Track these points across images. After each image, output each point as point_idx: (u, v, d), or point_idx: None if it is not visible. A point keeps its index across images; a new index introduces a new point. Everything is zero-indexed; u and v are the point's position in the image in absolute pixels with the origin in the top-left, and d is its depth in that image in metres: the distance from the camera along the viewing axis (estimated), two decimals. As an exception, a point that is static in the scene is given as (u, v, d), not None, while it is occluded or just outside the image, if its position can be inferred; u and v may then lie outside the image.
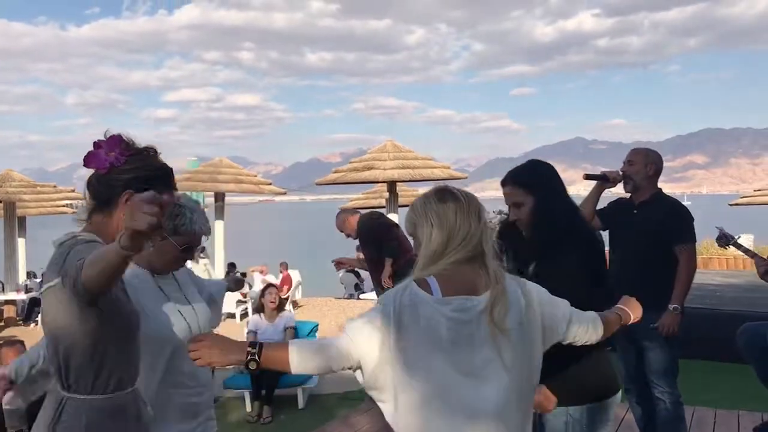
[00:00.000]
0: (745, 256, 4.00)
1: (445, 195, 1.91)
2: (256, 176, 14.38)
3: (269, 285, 7.47)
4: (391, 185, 12.19)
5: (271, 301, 6.69)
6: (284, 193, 15.29)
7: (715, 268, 13.97)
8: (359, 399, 5.81)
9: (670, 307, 3.73)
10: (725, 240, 3.98)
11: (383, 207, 12.78)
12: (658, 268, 3.80)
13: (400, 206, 12.05)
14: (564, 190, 2.64)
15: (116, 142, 1.94)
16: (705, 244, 16.65)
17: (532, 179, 2.57)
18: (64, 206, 15.26)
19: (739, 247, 3.91)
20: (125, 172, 1.94)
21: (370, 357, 1.77)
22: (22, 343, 4.15)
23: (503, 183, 2.66)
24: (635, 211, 3.93)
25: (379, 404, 1.84)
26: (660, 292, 3.81)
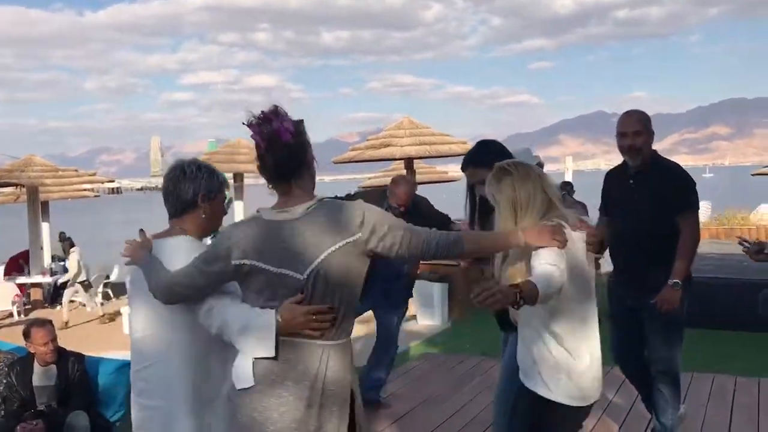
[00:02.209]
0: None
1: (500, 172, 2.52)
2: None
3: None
4: (409, 162, 12.16)
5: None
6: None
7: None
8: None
9: (670, 282, 3.54)
10: (747, 245, 3.66)
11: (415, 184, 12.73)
12: (665, 239, 3.61)
13: (417, 183, 12.03)
14: (512, 156, 2.94)
15: (277, 113, 2.10)
16: (727, 213, 16.51)
17: (488, 157, 2.87)
18: (85, 190, 15.45)
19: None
20: (302, 134, 2.15)
21: (566, 271, 2.27)
22: (50, 322, 4.24)
23: (463, 167, 3.15)
24: (631, 181, 3.73)
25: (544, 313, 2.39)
26: (662, 271, 3.62)
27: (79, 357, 4.27)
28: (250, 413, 2.08)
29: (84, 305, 11.41)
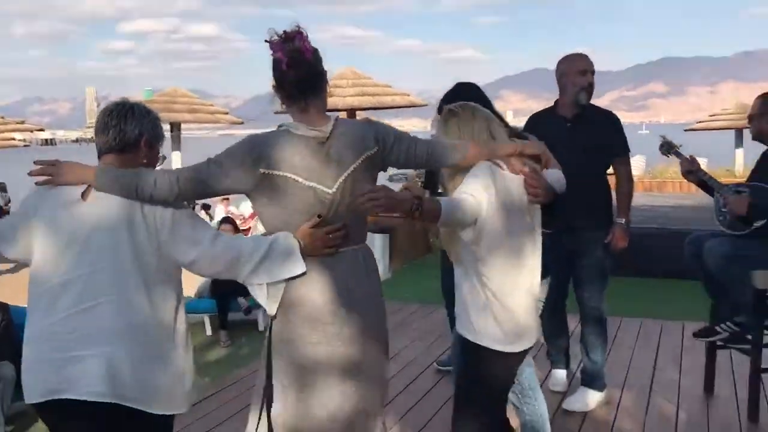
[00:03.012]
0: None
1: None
2: (212, 106, 14.09)
3: (226, 217, 7.44)
4: (351, 113, 12.05)
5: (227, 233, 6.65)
6: (241, 123, 14.97)
7: (670, 191, 14.28)
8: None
9: (619, 221, 3.77)
10: (667, 147, 3.99)
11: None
12: (597, 185, 3.81)
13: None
14: (490, 103, 2.95)
15: (300, 33, 2.19)
16: (660, 168, 16.99)
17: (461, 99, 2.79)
18: (13, 140, 14.78)
19: (679, 156, 3.92)
20: (320, 57, 2.24)
21: (486, 206, 2.33)
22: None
23: (439, 110, 2.86)
24: (569, 124, 3.80)
25: (472, 252, 2.40)
26: (607, 208, 3.91)
27: (3, 306, 4.13)
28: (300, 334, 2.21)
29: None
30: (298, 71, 2.18)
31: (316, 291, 2.20)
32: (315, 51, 2.22)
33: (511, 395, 2.92)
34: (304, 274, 2.19)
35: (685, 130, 16.94)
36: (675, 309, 5.96)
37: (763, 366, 3.69)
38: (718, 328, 3.88)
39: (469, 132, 2.48)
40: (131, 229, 2.12)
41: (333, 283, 2.22)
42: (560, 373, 4.23)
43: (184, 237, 2.16)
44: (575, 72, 3.79)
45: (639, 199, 11.52)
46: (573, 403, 3.94)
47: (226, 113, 14.48)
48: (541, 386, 3.86)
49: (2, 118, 13.39)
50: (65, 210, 2.15)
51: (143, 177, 2.13)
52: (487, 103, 2.83)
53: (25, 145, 15.29)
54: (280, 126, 2.22)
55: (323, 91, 2.27)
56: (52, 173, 2.17)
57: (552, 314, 3.94)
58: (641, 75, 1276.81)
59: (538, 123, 3.87)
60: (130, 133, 2.21)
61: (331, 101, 12.89)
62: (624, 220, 3.82)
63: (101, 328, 2.06)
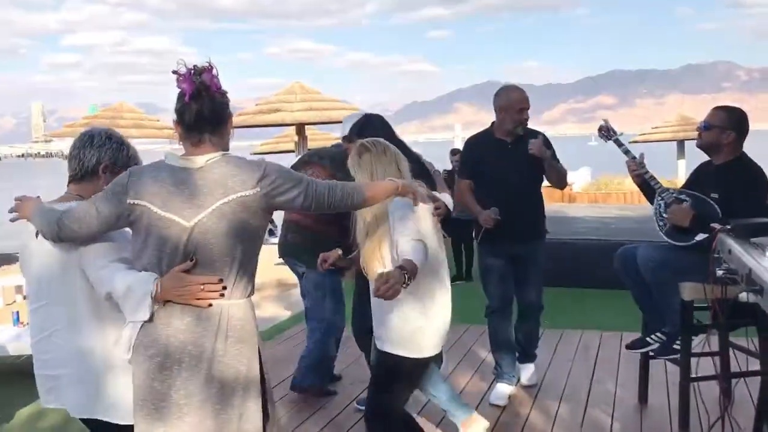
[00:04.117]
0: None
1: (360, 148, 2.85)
2: (158, 121, 13.90)
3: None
4: (300, 128, 12.02)
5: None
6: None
7: (614, 202, 14.62)
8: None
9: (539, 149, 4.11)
10: (606, 133, 4.05)
11: (293, 151, 12.61)
12: (538, 196, 4.37)
13: (309, 150, 11.92)
14: (394, 133, 3.66)
15: (211, 68, 2.16)
16: (605, 179, 17.39)
17: (374, 131, 3.39)
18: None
19: (620, 145, 3.97)
20: (227, 98, 2.20)
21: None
22: None
23: (349, 139, 3.64)
24: (510, 147, 4.20)
25: None
26: (543, 218, 4.43)
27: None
28: (148, 376, 2.14)
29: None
30: (200, 103, 2.14)
31: (147, 353, 2.13)
32: (223, 91, 2.18)
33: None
34: (150, 321, 2.12)
35: (630, 142, 17.37)
36: (615, 320, 6.08)
37: (692, 375, 3.79)
38: (649, 339, 3.97)
39: (381, 166, 2.79)
40: (70, 261, 2.28)
41: (169, 345, 2.11)
42: (506, 388, 4.32)
43: (88, 263, 2.25)
44: (514, 110, 4.16)
45: (583, 210, 11.78)
46: (531, 379, 4.49)
47: (173, 129, 14.33)
48: (481, 401, 4.02)
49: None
50: (28, 244, 2.38)
51: (46, 218, 2.24)
52: (392, 134, 3.33)
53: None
54: (164, 156, 2.21)
55: (223, 131, 2.20)
56: (17, 208, 2.36)
57: (501, 320, 4.32)
58: (590, 87, 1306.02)
59: (478, 145, 4.40)
60: (87, 162, 2.38)
61: (279, 116, 12.84)
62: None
63: (58, 352, 2.32)
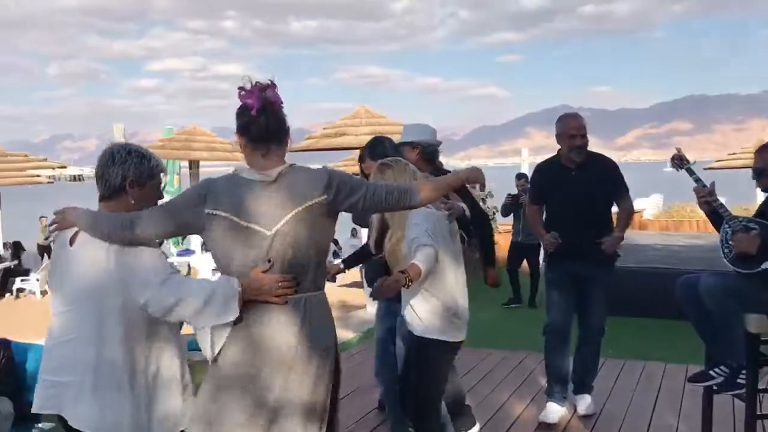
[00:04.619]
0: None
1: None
2: (230, 144, 14.32)
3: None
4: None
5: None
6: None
7: (686, 230, 14.15)
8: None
9: (616, 232, 4.34)
10: (679, 162, 3.96)
11: (358, 174, 12.73)
12: (604, 220, 4.44)
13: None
14: (402, 153, 3.79)
15: (274, 84, 2.33)
16: (677, 207, 16.87)
17: (384, 151, 3.66)
18: (36, 176, 15.13)
19: (691, 173, 3.88)
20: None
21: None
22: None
23: (361, 159, 3.89)
24: (573, 173, 4.36)
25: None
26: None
27: (5, 343, 4.22)
28: (235, 377, 2.25)
29: (34, 293, 11.27)
30: (268, 117, 2.30)
31: (238, 349, 2.25)
32: (282, 105, 2.36)
33: None
34: (240, 320, 2.23)
35: (705, 169, 16.82)
36: (681, 352, 5.87)
37: (759, 412, 3.63)
38: (712, 373, 3.82)
39: (403, 180, 3.07)
40: (107, 273, 2.26)
41: (257, 341, 2.25)
42: (555, 407, 4.38)
43: (141, 279, 2.25)
44: (567, 136, 4.35)
45: (653, 238, 11.45)
46: (588, 409, 4.42)
47: (244, 151, 14.71)
48: (536, 429, 3.98)
49: (26, 156, 13.75)
50: (61, 252, 2.39)
51: (111, 221, 2.29)
52: (401, 155, 3.62)
53: (49, 182, 15.66)
54: (235, 169, 2.36)
55: (285, 143, 2.36)
56: (57, 220, 2.40)
57: (557, 339, 4.40)
58: (665, 112, 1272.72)
59: (545, 171, 4.58)
60: (113, 180, 2.38)
61: (345, 140, 13.02)
62: (619, 233, 4.35)
63: (74, 360, 2.27)
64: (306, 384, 2.29)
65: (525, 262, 9.13)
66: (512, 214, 9.19)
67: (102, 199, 2.43)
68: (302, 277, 2.30)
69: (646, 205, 17.63)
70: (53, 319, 2.38)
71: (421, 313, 3.21)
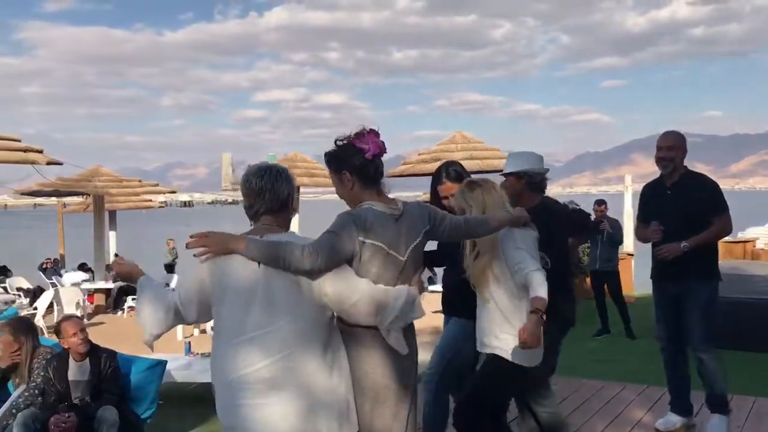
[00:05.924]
0: None
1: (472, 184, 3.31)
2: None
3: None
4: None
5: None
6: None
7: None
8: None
9: (683, 242, 4.23)
10: None
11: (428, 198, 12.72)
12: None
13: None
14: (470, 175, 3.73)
15: (377, 131, 2.67)
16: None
17: (458, 175, 3.68)
18: (149, 201, 16.06)
19: None
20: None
21: None
22: (77, 316, 4.46)
23: (437, 181, 3.76)
24: (669, 192, 4.42)
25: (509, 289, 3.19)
26: (708, 262, 4.39)
27: (111, 353, 4.46)
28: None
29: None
30: (379, 161, 2.70)
31: (378, 367, 2.64)
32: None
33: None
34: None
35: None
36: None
37: None
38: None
39: (491, 199, 3.21)
40: (299, 284, 2.43)
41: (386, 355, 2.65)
42: (673, 417, 4.57)
43: (347, 285, 2.49)
44: (656, 148, 4.47)
45: (765, 268, 10.76)
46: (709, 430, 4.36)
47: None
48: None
49: (140, 181, 14.57)
50: (244, 271, 2.41)
51: (287, 249, 2.38)
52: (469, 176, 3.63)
53: (160, 206, 16.57)
54: (360, 204, 2.65)
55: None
56: (206, 244, 2.44)
57: (670, 355, 4.54)
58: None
59: (647, 192, 4.67)
60: (282, 194, 2.55)
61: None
62: (686, 244, 4.22)
63: (285, 379, 2.39)
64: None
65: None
66: (589, 241, 9.00)
67: (269, 212, 2.53)
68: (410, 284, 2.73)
69: (759, 234, 16.64)
70: (244, 342, 2.40)
71: (502, 336, 3.19)
